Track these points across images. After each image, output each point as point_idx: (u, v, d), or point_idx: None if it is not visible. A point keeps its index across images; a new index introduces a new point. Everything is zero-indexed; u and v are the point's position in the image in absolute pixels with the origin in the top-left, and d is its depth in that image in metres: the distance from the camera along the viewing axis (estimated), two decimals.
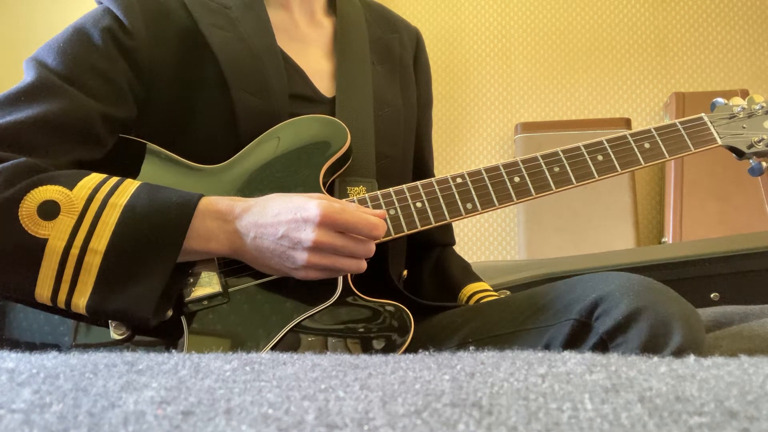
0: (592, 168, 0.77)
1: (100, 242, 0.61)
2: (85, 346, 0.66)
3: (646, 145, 0.79)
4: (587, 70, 2.79)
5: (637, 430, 0.25)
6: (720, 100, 0.86)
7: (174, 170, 0.73)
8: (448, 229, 1.02)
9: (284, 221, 0.64)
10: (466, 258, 1.01)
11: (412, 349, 0.60)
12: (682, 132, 0.81)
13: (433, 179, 0.75)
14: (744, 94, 2.51)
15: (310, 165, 0.74)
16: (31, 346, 0.67)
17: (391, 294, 0.79)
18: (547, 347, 0.65)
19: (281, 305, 0.68)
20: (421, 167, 0.99)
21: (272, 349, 0.66)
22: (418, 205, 0.74)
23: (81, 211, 0.62)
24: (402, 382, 0.31)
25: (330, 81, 0.86)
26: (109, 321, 0.65)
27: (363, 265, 0.68)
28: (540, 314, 0.68)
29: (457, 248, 1.03)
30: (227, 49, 0.77)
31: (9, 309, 0.68)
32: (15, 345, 0.66)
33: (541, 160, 0.77)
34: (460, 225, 2.74)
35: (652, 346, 0.57)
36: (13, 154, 0.63)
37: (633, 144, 0.79)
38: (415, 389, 0.30)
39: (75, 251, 0.60)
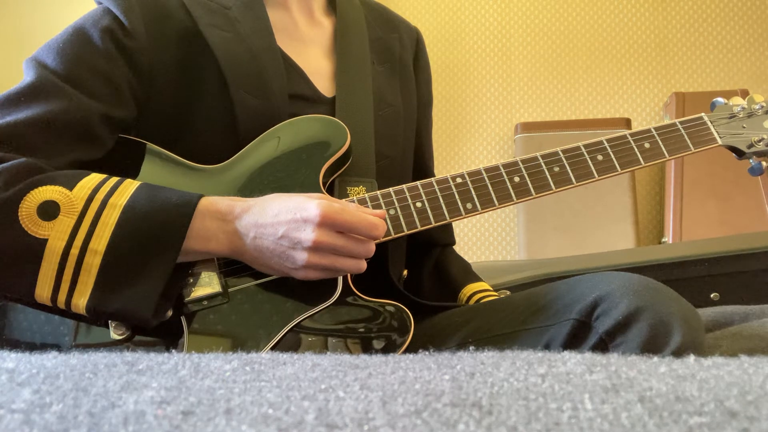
0: (592, 168, 0.77)
1: (100, 242, 0.61)
2: (85, 346, 0.66)
3: (646, 145, 0.79)
4: (587, 70, 2.79)
5: (637, 430, 0.25)
6: (720, 99, 0.85)
7: (174, 170, 0.73)
8: (448, 229, 1.02)
9: (284, 221, 0.64)
10: (466, 258, 1.01)
11: (412, 349, 0.60)
12: (682, 132, 0.81)
13: (433, 179, 0.75)
14: (744, 94, 2.51)
15: (310, 165, 0.74)
16: (31, 346, 0.67)
17: (391, 294, 0.79)
18: (547, 347, 0.65)
19: (281, 305, 0.68)
20: (421, 167, 0.99)
21: (272, 349, 0.66)
22: (418, 205, 0.74)
23: (81, 211, 0.62)
24: (402, 382, 0.31)
25: (330, 81, 0.85)
26: (109, 321, 0.65)
27: (363, 265, 0.68)
28: (540, 314, 0.68)
29: (457, 248, 1.03)
30: (227, 50, 0.77)
31: (9, 309, 0.68)
32: (15, 345, 0.66)
33: (541, 160, 0.77)
34: (460, 225, 2.74)
35: (652, 345, 0.57)
36: (13, 155, 0.63)
37: (633, 144, 0.79)
38: (415, 389, 0.30)
39: (75, 251, 0.60)
